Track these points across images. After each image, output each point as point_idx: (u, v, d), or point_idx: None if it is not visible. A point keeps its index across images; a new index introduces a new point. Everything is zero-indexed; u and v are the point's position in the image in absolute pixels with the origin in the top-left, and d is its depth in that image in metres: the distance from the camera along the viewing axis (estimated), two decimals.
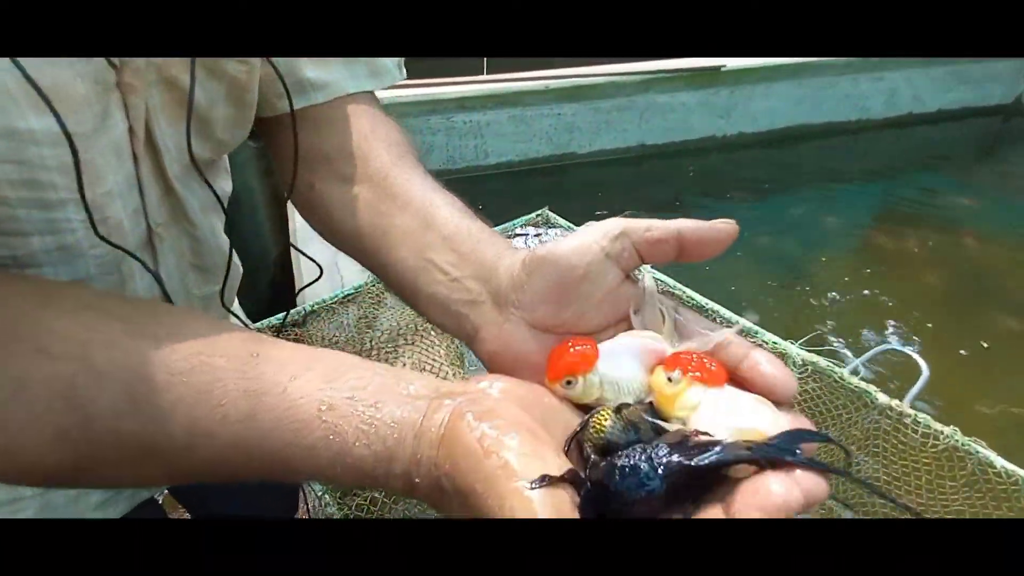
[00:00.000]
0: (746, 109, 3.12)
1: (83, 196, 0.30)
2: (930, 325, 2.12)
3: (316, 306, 0.79)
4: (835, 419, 0.64)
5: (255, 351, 0.28)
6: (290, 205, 0.45)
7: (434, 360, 0.88)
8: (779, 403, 0.27)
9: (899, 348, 0.76)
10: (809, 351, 0.64)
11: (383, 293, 0.84)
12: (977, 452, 0.55)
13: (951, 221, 2.75)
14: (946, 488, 0.58)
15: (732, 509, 0.23)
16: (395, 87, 0.47)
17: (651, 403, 0.28)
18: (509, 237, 0.91)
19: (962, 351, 2.00)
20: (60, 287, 0.30)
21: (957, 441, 0.56)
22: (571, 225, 0.93)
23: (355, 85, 0.43)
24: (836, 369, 0.62)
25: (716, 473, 0.23)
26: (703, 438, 0.24)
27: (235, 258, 0.46)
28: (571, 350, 0.29)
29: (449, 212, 0.37)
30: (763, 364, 0.28)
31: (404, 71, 0.47)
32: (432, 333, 0.88)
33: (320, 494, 0.63)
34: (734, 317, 0.72)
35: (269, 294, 1.76)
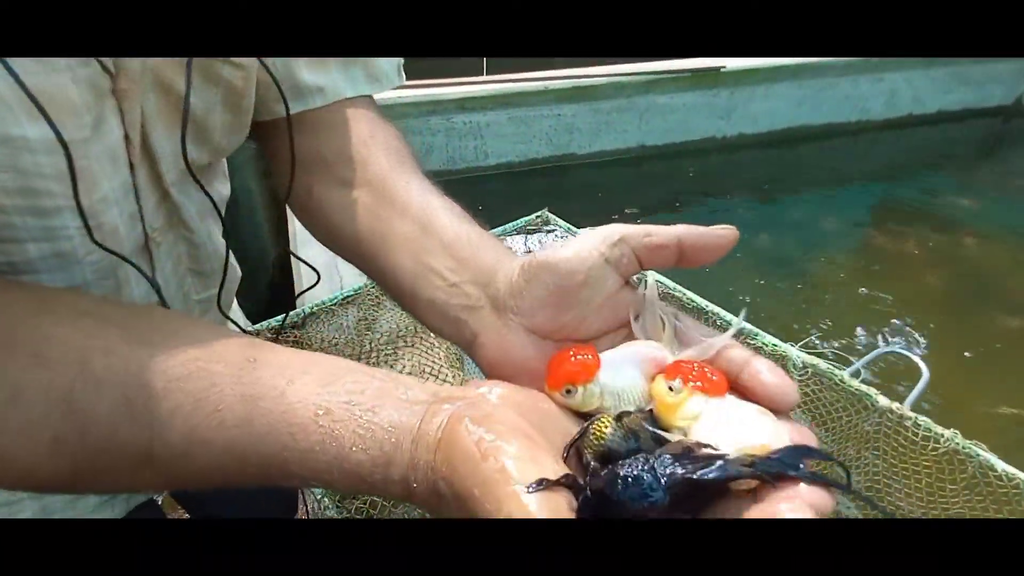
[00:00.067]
0: (746, 110, 3.13)
1: (78, 203, 0.30)
2: (931, 326, 2.12)
3: (316, 308, 0.79)
4: (835, 422, 0.64)
5: (252, 356, 0.28)
6: (289, 209, 0.44)
7: (433, 362, 0.87)
8: (779, 412, 0.27)
9: (900, 351, 0.76)
10: (809, 353, 0.64)
11: (382, 295, 0.83)
12: (978, 455, 0.55)
13: (951, 222, 2.75)
14: (947, 491, 0.58)
15: None
16: (395, 88, 0.46)
17: (651, 411, 0.28)
18: (509, 235, 0.91)
19: (962, 352, 2.00)
20: (57, 294, 0.30)
21: (958, 444, 0.56)
22: (571, 227, 0.92)
23: (353, 89, 0.43)
24: (836, 372, 0.62)
25: (718, 486, 0.23)
26: (706, 451, 0.24)
27: (233, 261, 0.46)
28: (572, 359, 0.29)
29: (448, 217, 0.37)
30: (764, 373, 0.27)
31: (403, 75, 0.47)
32: (431, 335, 0.88)
33: (319, 496, 0.63)
34: (734, 319, 0.72)
35: (268, 295, 1.76)
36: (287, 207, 0.44)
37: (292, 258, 1.52)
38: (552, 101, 2.79)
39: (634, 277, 0.32)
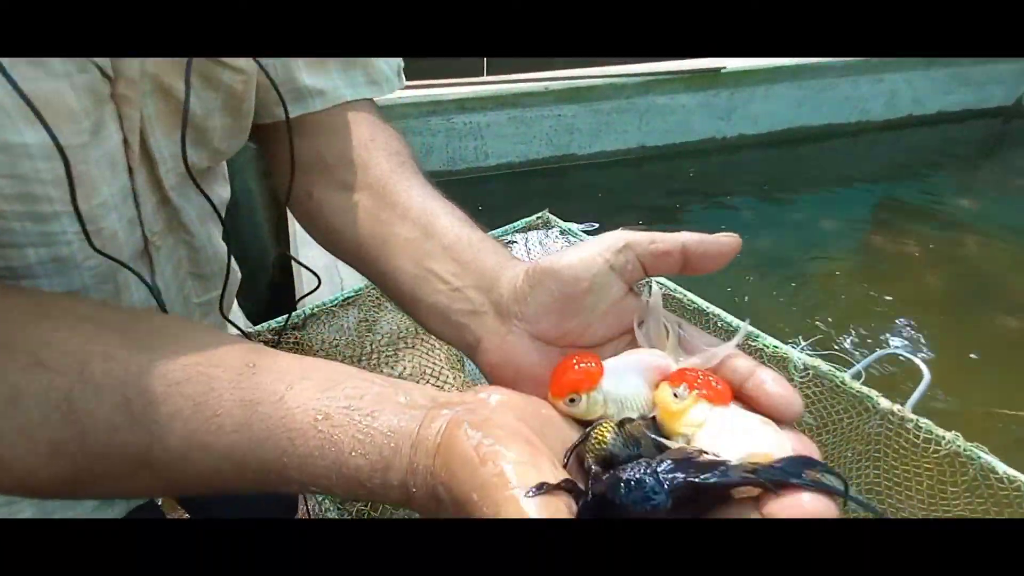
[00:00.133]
0: (746, 111, 3.13)
1: (77, 208, 0.30)
2: (931, 327, 2.12)
3: (316, 309, 0.79)
4: (837, 424, 0.64)
5: (252, 361, 0.28)
6: (289, 212, 0.44)
7: (434, 364, 0.87)
8: (783, 423, 0.27)
9: (901, 353, 0.76)
10: (810, 355, 0.64)
11: (383, 297, 0.83)
12: (979, 458, 0.55)
13: (952, 223, 2.75)
14: (948, 494, 0.58)
15: None
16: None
17: (654, 418, 0.28)
18: (510, 235, 0.91)
19: (963, 352, 2.00)
20: (56, 299, 0.30)
21: (959, 447, 0.56)
22: (571, 226, 0.92)
23: (353, 92, 0.43)
24: (837, 374, 0.62)
25: (719, 492, 0.23)
26: (708, 457, 0.24)
27: (233, 264, 0.46)
28: (575, 367, 0.28)
29: (449, 221, 0.37)
30: (769, 383, 0.27)
31: (403, 79, 0.47)
32: (432, 337, 0.88)
33: (320, 498, 0.63)
34: (734, 321, 0.71)
35: (268, 295, 1.76)
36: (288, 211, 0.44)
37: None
38: (552, 102, 2.79)
39: (637, 284, 0.32)
